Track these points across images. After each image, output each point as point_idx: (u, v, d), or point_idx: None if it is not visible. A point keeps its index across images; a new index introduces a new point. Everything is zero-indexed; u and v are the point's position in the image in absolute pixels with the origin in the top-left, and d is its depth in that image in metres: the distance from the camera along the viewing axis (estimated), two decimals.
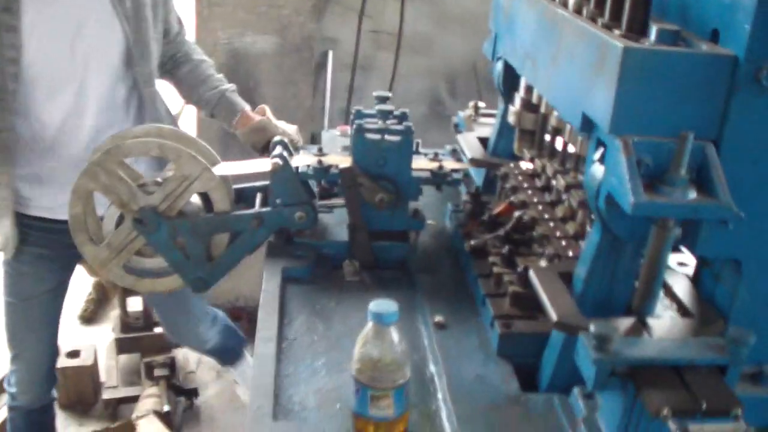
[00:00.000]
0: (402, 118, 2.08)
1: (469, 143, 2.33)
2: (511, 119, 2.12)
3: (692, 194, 1.33)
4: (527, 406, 1.54)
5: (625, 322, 1.43)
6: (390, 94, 2.17)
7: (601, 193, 1.43)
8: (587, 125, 1.48)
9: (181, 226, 1.95)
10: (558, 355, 1.58)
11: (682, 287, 1.61)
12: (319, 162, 2.09)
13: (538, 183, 2.03)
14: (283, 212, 2.01)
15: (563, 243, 1.72)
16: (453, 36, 4.25)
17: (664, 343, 1.36)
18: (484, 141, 2.38)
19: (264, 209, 2.01)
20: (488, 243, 1.97)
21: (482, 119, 2.51)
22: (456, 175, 2.12)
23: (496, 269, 1.85)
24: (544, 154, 2.02)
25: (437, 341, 1.73)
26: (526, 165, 2.13)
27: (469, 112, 2.53)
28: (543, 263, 1.73)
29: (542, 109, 1.92)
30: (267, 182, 2.18)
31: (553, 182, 1.91)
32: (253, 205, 2.15)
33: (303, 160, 2.12)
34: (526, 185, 2.01)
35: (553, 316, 1.45)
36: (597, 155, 1.46)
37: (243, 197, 2.13)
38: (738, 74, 1.31)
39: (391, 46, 4.18)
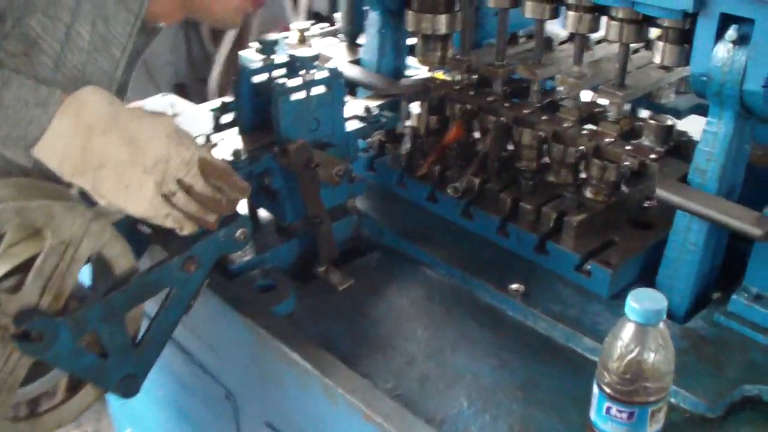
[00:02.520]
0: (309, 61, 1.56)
1: (354, 72, 1.86)
2: (415, 26, 1.72)
3: None
4: (702, 335, 1.34)
5: None
6: (279, 36, 1.61)
7: (751, 76, 1.21)
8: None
9: (90, 316, 1.27)
10: (697, 271, 1.38)
11: None
12: (236, 154, 1.49)
13: (492, 92, 1.71)
14: (218, 237, 1.40)
15: (627, 148, 1.47)
16: None
17: None
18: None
19: (191, 243, 1.38)
20: (472, 180, 1.63)
21: (313, 42, 2.03)
22: (386, 114, 1.69)
23: (547, 209, 1.52)
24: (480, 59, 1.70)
25: (544, 309, 1.40)
26: (449, 77, 1.78)
27: (294, 39, 2.03)
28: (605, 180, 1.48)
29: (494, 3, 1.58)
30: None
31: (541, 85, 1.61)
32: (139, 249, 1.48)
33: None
34: (489, 100, 1.68)
35: (758, 232, 1.24)
36: (732, 35, 1.21)
37: None
38: None
39: None
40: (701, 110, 1.63)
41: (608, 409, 1.10)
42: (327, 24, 2.10)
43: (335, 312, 1.46)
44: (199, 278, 1.39)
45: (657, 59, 1.39)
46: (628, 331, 1.07)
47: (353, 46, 2.00)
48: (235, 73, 1.57)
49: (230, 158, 1.49)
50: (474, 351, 1.35)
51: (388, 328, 1.42)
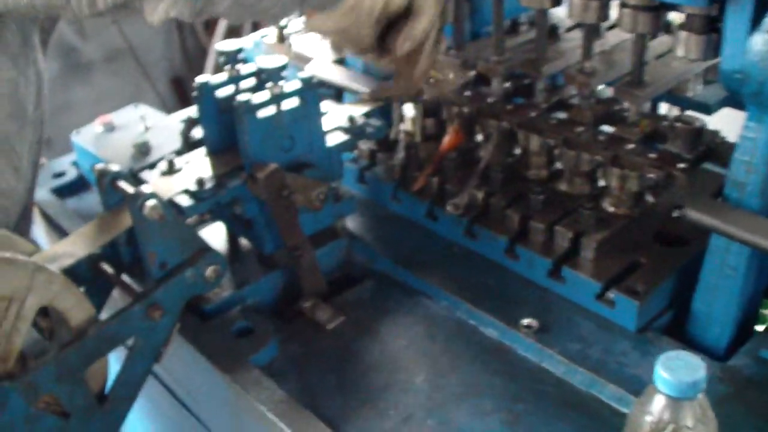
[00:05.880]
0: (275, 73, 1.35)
1: (337, 74, 1.66)
2: None
3: None
4: (748, 377, 1.14)
5: None
6: (239, 46, 1.42)
7: None
8: None
9: (42, 377, 1.11)
10: (738, 299, 1.18)
11: None
12: (200, 182, 1.31)
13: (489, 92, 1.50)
14: (185, 277, 1.23)
15: (651, 156, 1.26)
16: None
17: None
18: None
19: (154, 288, 1.21)
20: (474, 195, 1.43)
21: (293, 39, 1.83)
22: (374, 123, 1.49)
23: (561, 228, 1.32)
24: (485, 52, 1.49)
25: (562, 349, 1.21)
26: (442, 75, 1.58)
27: (272, 38, 1.83)
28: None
29: None
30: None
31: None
32: (103, 290, 1.32)
33: (168, 190, 1.32)
34: (489, 101, 1.47)
35: None
36: None
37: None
38: None
39: None
40: (734, 103, 1.42)
41: None
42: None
43: (322, 359, 1.28)
44: (168, 324, 1.24)
45: (680, 52, 1.18)
46: (658, 404, 0.87)
47: None
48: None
49: (194, 188, 1.31)
50: (482, 403, 1.17)
51: (383, 377, 1.23)
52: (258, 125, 1.30)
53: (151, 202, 1.16)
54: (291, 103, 1.33)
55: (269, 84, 1.32)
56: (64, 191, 1.78)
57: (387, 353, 1.28)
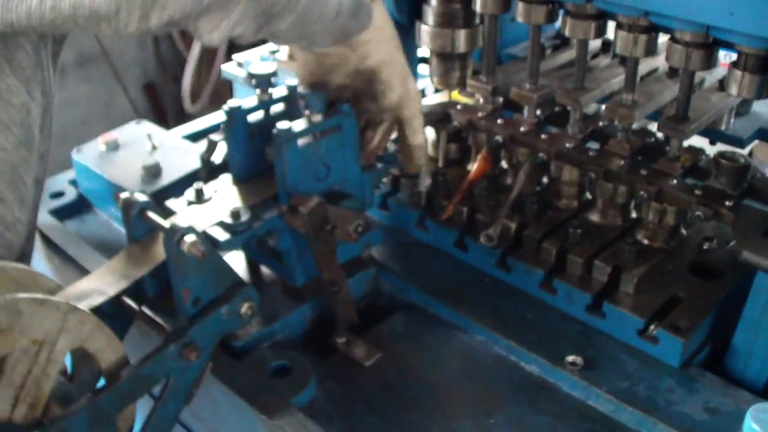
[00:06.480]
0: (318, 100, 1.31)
1: None
2: (430, 44, 1.50)
3: None
4: None
5: None
6: (274, 68, 1.37)
7: None
8: None
9: (74, 424, 1.05)
10: None
11: None
12: (234, 215, 1.26)
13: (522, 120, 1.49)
14: (220, 315, 1.19)
15: (697, 193, 1.26)
16: None
17: None
18: None
19: (188, 326, 1.17)
20: (507, 225, 1.41)
21: None
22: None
23: (600, 262, 1.31)
24: (507, 79, 1.48)
25: (609, 387, 1.20)
26: (469, 98, 1.56)
27: (282, 55, 1.78)
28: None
29: (523, 18, 1.35)
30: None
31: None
32: (124, 324, 1.26)
33: (199, 221, 1.27)
34: (522, 130, 1.45)
35: None
36: None
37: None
38: None
39: None
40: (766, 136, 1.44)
41: None
42: None
43: (363, 397, 1.24)
44: (201, 364, 1.19)
45: (733, 90, 1.17)
46: None
47: None
48: (229, 115, 1.34)
49: (230, 220, 1.26)
50: None
51: (428, 417, 1.20)
52: (297, 154, 1.26)
53: (190, 238, 1.11)
54: (330, 131, 1.30)
55: (306, 111, 1.28)
56: (63, 213, 1.70)
57: (429, 391, 1.25)
